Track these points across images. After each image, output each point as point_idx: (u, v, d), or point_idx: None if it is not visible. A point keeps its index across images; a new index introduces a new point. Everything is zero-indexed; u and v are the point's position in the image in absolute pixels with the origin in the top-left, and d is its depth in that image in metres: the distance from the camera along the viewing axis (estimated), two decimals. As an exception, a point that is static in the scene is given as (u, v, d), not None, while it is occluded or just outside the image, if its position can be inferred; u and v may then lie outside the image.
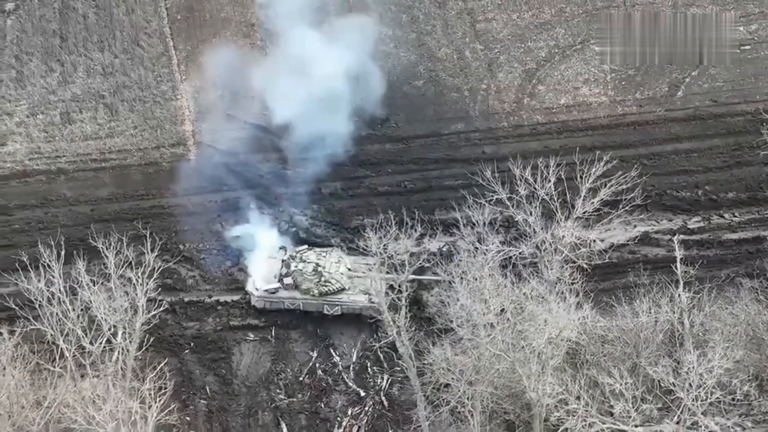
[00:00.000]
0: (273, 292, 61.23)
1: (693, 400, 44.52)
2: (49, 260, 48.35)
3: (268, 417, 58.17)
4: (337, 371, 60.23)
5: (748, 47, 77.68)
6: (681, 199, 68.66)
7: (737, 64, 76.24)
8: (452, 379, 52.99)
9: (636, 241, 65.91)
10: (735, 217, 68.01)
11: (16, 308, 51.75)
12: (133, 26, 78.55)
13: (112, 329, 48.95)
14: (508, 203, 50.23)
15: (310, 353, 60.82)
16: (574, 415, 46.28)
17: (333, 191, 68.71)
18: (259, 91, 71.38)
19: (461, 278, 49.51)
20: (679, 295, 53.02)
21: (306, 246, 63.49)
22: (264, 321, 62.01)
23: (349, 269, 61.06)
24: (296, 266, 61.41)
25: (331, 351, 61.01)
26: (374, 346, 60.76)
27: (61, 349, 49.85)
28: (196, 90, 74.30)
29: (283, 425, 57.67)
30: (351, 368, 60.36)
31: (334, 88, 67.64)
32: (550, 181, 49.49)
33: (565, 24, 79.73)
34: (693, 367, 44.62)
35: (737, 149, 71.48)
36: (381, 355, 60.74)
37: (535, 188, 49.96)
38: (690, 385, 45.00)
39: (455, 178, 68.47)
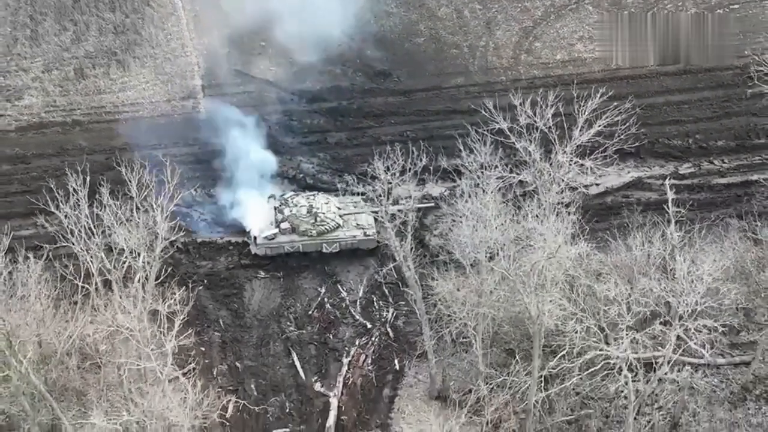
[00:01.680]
0: (272, 238, 63.84)
1: (685, 306, 47.14)
2: (76, 184, 50.78)
3: (279, 347, 60.74)
4: (344, 305, 62.88)
5: (736, 6, 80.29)
6: (672, 146, 71.60)
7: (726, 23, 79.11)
8: (453, 311, 55.73)
9: (629, 186, 68.57)
10: (724, 163, 70.95)
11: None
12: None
13: (134, 253, 51.37)
14: (508, 132, 52.73)
15: (319, 289, 63.47)
16: (571, 319, 48.85)
17: (338, 140, 71.44)
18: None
19: (465, 200, 52.05)
20: (671, 233, 55.45)
21: (292, 191, 66.07)
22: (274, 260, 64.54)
23: (339, 208, 63.86)
24: (290, 211, 64.02)
25: (339, 287, 63.67)
26: (380, 281, 63.47)
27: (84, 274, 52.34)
28: (205, 47, 76.68)
29: (294, 354, 60.25)
30: (358, 303, 63.03)
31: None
32: (549, 108, 51.86)
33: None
34: (684, 274, 47.17)
35: (726, 101, 74.54)
36: (386, 290, 63.39)
37: (534, 120, 52.50)
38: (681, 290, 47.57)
39: (456, 128, 70.80)
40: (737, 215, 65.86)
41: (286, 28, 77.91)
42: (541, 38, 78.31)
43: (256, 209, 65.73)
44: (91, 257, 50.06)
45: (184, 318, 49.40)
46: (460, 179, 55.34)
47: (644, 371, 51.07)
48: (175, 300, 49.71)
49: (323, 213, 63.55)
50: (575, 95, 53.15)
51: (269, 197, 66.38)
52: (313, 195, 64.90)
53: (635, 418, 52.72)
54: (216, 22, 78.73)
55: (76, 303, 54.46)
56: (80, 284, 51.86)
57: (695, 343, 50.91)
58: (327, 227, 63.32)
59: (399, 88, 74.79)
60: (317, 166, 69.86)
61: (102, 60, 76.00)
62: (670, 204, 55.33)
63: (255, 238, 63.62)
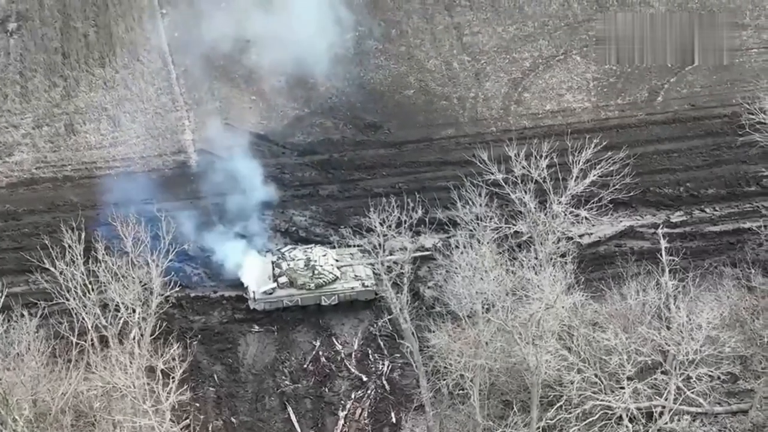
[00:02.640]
0: (270, 293, 63.64)
1: (684, 354, 47.10)
2: (71, 240, 50.63)
3: (275, 402, 60.32)
4: (339, 358, 62.55)
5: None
6: (664, 195, 71.86)
7: (714, 71, 79.77)
8: (450, 363, 55.58)
9: (622, 235, 68.76)
10: (716, 211, 71.16)
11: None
12: (133, 43, 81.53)
13: (129, 309, 51.15)
14: (503, 184, 52.91)
15: (313, 342, 63.18)
16: (572, 369, 48.74)
17: (330, 193, 71.51)
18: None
19: (461, 252, 52.08)
20: (665, 281, 55.47)
21: (289, 246, 66.08)
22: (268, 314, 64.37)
23: (336, 260, 63.81)
24: (287, 265, 63.92)
25: (334, 340, 63.42)
26: (375, 334, 63.30)
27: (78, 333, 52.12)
28: (195, 101, 76.89)
29: (290, 409, 59.83)
30: (353, 355, 62.73)
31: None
32: (544, 159, 52.11)
33: (547, 36, 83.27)
34: (683, 323, 47.18)
35: (716, 149, 74.97)
36: (381, 343, 63.20)
37: (529, 171, 52.70)
38: (680, 339, 47.55)
39: (447, 180, 71.20)
40: (731, 263, 65.88)
41: (275, 83, 78.43)
42: (530, 89, 78.76)
43: (250, 262, 65.33)
44: (87, 314, 49.75)
45: (181, 374, 48.98)
46: (455, 230, 55.39)
47: (644, 421, 50.93)
48: (172, 355, 49.39)
49: (321, 266, 63.48)
50: (569, 145, 53.31)
51: (266, 252, 66.06)
52: (310, 248, 64.78)
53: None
54: (206, 77, 78.88)
55: (70, 361, 54.03)
56: (75, 340, 51.43)
57: (694, 393, 50.78)
58: (325, 280, 63.22)
59: (390, 140, 75.00)
60: (310, 219, 69.87)
61: (92, 115, 76.10)
62: (663, 252, 55.36)
63: (253, 293, 63.35)
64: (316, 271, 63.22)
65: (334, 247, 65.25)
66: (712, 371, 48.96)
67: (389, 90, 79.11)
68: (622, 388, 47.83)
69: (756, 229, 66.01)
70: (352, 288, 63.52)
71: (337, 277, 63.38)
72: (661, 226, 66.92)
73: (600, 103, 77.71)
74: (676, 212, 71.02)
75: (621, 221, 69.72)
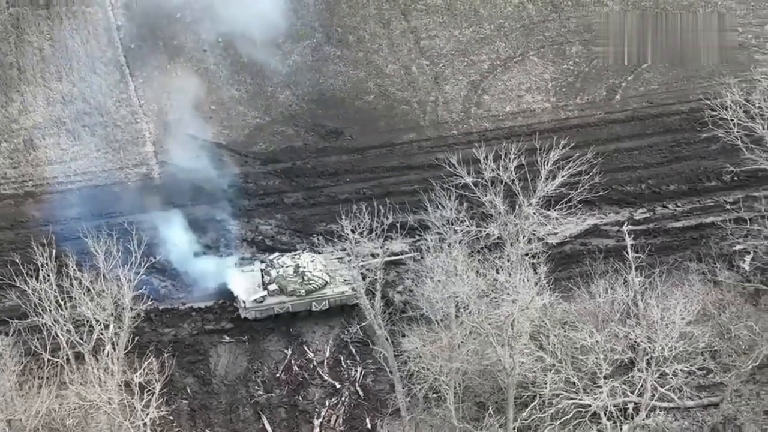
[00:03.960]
0: (261, 301, 63.48)
1: (660, 351, 47.58)
2: (43, 257, 50.26)
3: (249, 412, 60.19)
4: (312, 366, 62.52)
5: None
6: (626, 193, 72.49)
7: (669, 69, 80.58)
8: (424, 367, 55.85)
9: (587, 233, 69.28)
10: (678, 207, 71.88)
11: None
12: (89, 56, 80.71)
13: (102, 325, 50.88)
14: (473, 187, 53.13)
15: (285, 351, 63.09)
16: (549, 370, 49.10)
17: (295, 201, 71.40)
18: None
19: (434, 255, 52.32)
20: (632, 278, 56.04)
21: (276, 253, 65.94)
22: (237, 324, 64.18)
23: (325, 265, 63.76)
24: (277, 272, 63.80)
25: (305, 348, 63.36)
26: (347, 340, 63.32)
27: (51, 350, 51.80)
28: (155, 113, 76.52)
29: (264, 419, 59.74)
30: (325, 363, 62.70)
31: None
32: (512, 161, 52.38)
33: (504, 38, 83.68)
34: (657, 320, 47.66)
35: (675, 146, 75.70)
36: (353, 349, 63.23)
37: (498, 173, 52.97)
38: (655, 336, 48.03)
39: (411, 184, 71.37)
40: (696, 258, 66.56)
41: (234, 93, 78.31)
42: (490, 91, 79.10)
43: (235, 272, 65.38)
44: (60, 330, 49.43)
45: (160, 387, 48.81)
46: (424, 234, 55.62)
47: (619, 417, 51.43)
48: (148, 369, 49.23)
49: (310, 272, 63.27)
50: (537, 146, 53.64)
51: (252, 260, 65.86)
52: (298, 254, 64.46)
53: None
54: (165, 88, 78.46)
55: (42, 378, 53.67)
56: (48, 357, 51.06)
57: (669, 388, 51.36)
58: (315, 285, 63.05)
59: (352, 146, 75.03)
60: (275, 228, 69.73)
61: (51, 130, 75.38)
62: (629, 250, 55.88)
63: (244, 302, 63.08)
64: (306, 277, 63.09)
65: (320, 253, 64.91)
66: (687, 366, 49.40)
67: (349, 96, 79.09)
68: (600, 387, 48.12)
69: (720, 224, 66.62)
70: (342, 292, 63.44)
71: (327, 282, 63.22)
72: (626, 223, 67.49)
73: (559, 103, 78.23)
74: (638, 209, 71.68)
75: (585, 220, 70.11)
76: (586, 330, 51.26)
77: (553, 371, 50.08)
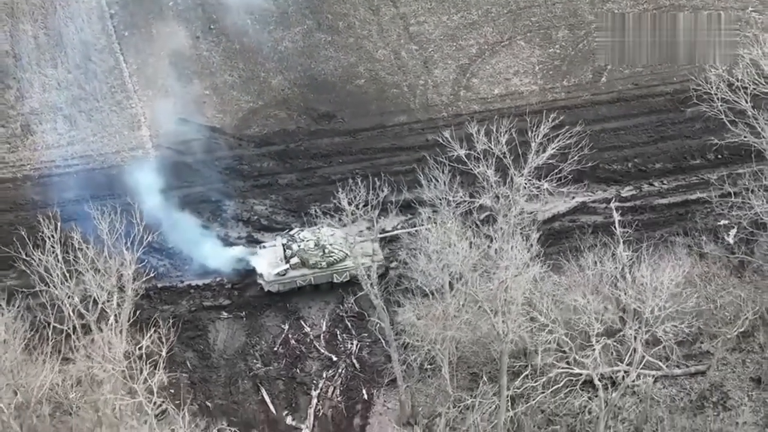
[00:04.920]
0: (283, 275, 64.97)
1: (650, 311, 49.15)
2: (48, 231, 51.51)
3: (248, 384, 61.70)
4: (308, 340, 64.08)
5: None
6: (613, 171, 74.09)
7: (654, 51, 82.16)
8: (419, 339, 57.38)
9: (575, 210, 70.92)
10: (664, 184, 73.55)
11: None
12: (83, 44, 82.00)
13: (107, 296, 52.16)
14: (465, 159, 54.56)
15: (282, 326, 64.59)
16: (541, 331, 50.65)
17: (289, 182, 72.82)
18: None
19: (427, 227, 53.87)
20: (620, 252, 57.47)
21: (297, 228, 67.18)
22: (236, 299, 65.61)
23: (344, 239, 65.05)
24: (298, 246, 65.36)
25: (302, 323, 64.86)
26: (342, 315, 64.84)
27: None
28: (150, 98, 77.81)
29: (263, 391, 61.22)
30: (322, 337, 64.25)
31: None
32: (503, 135, 53.80)
33: (491, 23, 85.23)
34: (647, 282, 49.23)
35: (660, 125, 77.37)
36: (349, 323, 64.76)
37: (490, 146, 54.42)
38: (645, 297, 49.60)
39: (402, 164, 72.81)
40: (682, 232, 68.14)
41: (225, 77, 79.69)
42: (478, 74, 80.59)
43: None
44: (67, 299, 50.66)
45: (168, 351, 50.14)
46: (420, 208, 57.15)
47: (610, 386, 53.08)
48: (158, 334, 50.55)
49: (330, 245, 64.66)
50: (528, 120, 55.08)
51: (276, 235, 67.47)
52: (318, 228, 65.74)
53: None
54: (159, 73, 79.77)
55: (46, 353, 54.74)
56: (53, 328, 52.16)
57: (658, 350, 52.94)
58: (336, 258, 64.50)
59: (344, 129, 76.45)
60: (270, 208, 71.11)
61: (48, 116, 76.66)
62: (617, 225, 57.35)
63: (267, 275, 64.69)
64: (326, 250, 64.55)
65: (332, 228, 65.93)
66: (676, 325, 50.96)
67: (341, 80, 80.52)
68: (591, 345, 49.64)
69: (708, 198, 68.02)
70: (362, 264, 64.68)
71: (348, 255, 64.50)
72: (613, 199, 69.18)
73: (546, 85, 79.79)
74: (625, 187, 73.28)
75: (573, 197, 71.62)
76: (578, 292, 52.74)
77: (546, 332, 51.52)
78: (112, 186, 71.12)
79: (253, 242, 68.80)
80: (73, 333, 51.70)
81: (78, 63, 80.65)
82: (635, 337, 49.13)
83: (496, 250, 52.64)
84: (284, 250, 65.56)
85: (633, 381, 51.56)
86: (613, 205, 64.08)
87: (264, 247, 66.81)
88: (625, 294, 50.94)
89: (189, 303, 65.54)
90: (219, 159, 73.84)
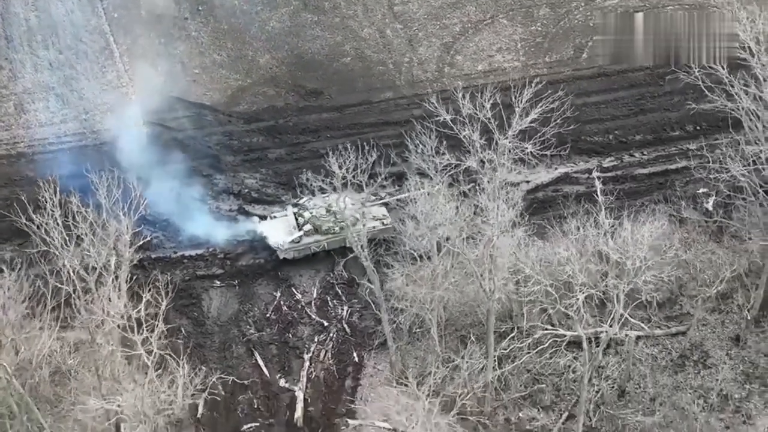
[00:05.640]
0: (297, 242, 66.91)
1: (632, 262, 50.93)
2: (48, 194, 53.01)
3: (242, 349, 63.33)
4: (300, 307, 65.72)
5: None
6: (595, 143, 76.07)
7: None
8: (409, 301, 59.19)
9: (558, 181, 72.81)
10: (644, 155, 75.48)
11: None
12: (74, 25, 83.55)
13: (105, 259, 53.70)
14: (452, 124, 56.10)
15: (274, 294, 66.24)
16: (527, 283, 52.47)
17: (278, 156, 74.52)
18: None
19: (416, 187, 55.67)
20: (602, 218, 59.07)
21: (306, 197, 68.74)
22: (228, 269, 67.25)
23: (353, 204, 66.46)
24: (310, 213, 67.46)
25: (293, 290, 66.52)
26: (332, 282, 66.55)
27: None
28: (141, 77, 79.30)
29: (257, 355, 62.81)
30: (313, 303, 65.91)
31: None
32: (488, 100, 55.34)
33: (474, 2, 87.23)
34: (629, 234, 51.03)
35: (640, 99, 79.47)
36: (339, 290, 66.47)
37: (476, 111, 55.95)
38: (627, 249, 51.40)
39: (389, 138, 74.46)
40: (663, 199, 70.01)
41: (214, 56, 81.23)
42: (462, 52, 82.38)
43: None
44: (68, 260, 52.17)
45: (167, 304, 51.70)
46: (409, 173, 58.82)
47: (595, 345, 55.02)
48: (157, 288, 52.14)
49: (341, 210, 66.15)
50: (511, 87, 56.60)
51: (287, 205, 69.45)
52: (327, 196, 67.36)
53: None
54: (149, 53, 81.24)
55: (44, 320, 56.20)
56: (54, 284, 53.57)
57: (644, 300, 54.80)
58: (348, 223, 65.90)
59: (331, 105, 78.19)
60: (261, 181, 72.76)
61: (40, 95, 78.14)
62: (599, 192, 58.85)
63: (280, 244, 66.67)
64: (338, 216, 66.10)
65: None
66: (656, 274, 52.70)
67: (327, 59, 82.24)
68: (574, 294, 51.28)
69: (689, 166, 69.67)
70: (374, 227, 66.33)
71: (358, 219, 65.90)
72: (596, 168, 71.02)
73: (529, 61, 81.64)
74: (607, 158, 75.16)
75: (556, 168, 73.57)
76: (561, 246, 54.51)
77: (531, 283, 53.26)
78: (105, 161, 72.10)
79: (244, 214, 70.09)
80: (73, 293, 53.01)
81: (69, 44, 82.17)
82: (617, 287, 50.71)
83: (481, 209, 54.14)
84: (296, 218, 67.33)
85: (615, 333, 53.10)
86: (595, 173, 65.95)
87: (275, 216, 68.53)
88: (607, 246, 52.45)
89: (183, 273, 67.04)
90: (209, 135, 75.26)
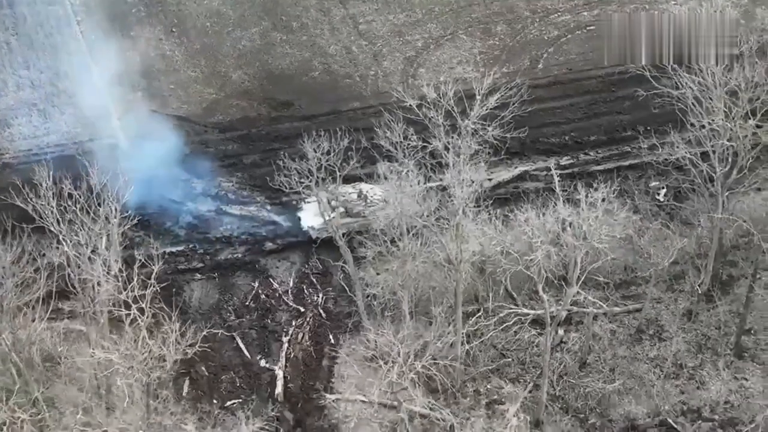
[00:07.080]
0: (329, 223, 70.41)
1: (587, 222, 54.95)
2: (42, 179, 56.58)
3: (224, 335, 66.79)
4: (278, 295, 69.43)
5: (592, 27, 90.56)
6: (552, 144, 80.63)
7: (586, 41, 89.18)
8: (379, 283, 63.15)
9: (518, 178, 77.15)
10: (599, 154, 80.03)
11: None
12: (53, 47, 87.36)
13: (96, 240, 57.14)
14: (417, 110, 60.21)
15: (252, 284, 69.93)
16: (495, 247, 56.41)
17: (253, 161, 78.53)
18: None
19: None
20: (560, 205, 63.07)
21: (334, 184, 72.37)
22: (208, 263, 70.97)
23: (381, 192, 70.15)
24: (342, 198, 72.05)
25: (271, 280, 70.23)
26: (307, 272, 70.37)
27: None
28: (120, 93, 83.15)
29: (238, 339, 66.36)
30: (290, 292, 69.64)
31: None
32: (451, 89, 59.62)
33: (435, 20, 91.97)
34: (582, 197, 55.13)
35: (593, 104, 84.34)
36: (314, 279, 70.30)
37: (439, 98, 60.07)
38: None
39: (358, 143, 78.33)
40: (618, 192, 74.05)
41: (189, 73, 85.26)
42: (424, 65, 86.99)
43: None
44: (63, 238, 55.58)
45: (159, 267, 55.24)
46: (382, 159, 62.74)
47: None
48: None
49: (372, 195, 70.78)
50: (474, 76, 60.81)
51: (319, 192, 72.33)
52: (353, 185, 72.40)
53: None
54: (126, 72, 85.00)
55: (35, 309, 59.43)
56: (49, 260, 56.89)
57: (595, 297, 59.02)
58: (377, 207, 69.88)
59: (302, 115, 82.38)
60: (237, 184, 76.68)
61: (23, 111, 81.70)
62: (556, 184, 62.64)
63: (316, 225, 71.82)
64: (368, 200, 70.76)
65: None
66: (609, 234, 56.60)
67: (297, 73, 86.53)
68: (534, 253, 55.21)
69: (649, 161, 73.67)
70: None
71: (386, 203, 69.28)
72: (554, 164, 75.30)
73: (488, 72, 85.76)
74: (564, 157, 79.57)
75: (516, 167, 77.90)
76: (523, 210, 58.54)
77: (494, 243, 57.21)
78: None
79: (222, 214, 73.84)
80: (68, 266, 56.36)
81: (49, 64, 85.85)
82: (576, 248, 54.63)
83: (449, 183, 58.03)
84: (328, 202, 71.60)
85: (574, 295, 57.09)
86: (553, 166, 70.22)
87: (308, 202, 72.75)
88: (563, 211, 56.34)
89: (164, 267, 70.12)
90: (186, 144, 78.94)
